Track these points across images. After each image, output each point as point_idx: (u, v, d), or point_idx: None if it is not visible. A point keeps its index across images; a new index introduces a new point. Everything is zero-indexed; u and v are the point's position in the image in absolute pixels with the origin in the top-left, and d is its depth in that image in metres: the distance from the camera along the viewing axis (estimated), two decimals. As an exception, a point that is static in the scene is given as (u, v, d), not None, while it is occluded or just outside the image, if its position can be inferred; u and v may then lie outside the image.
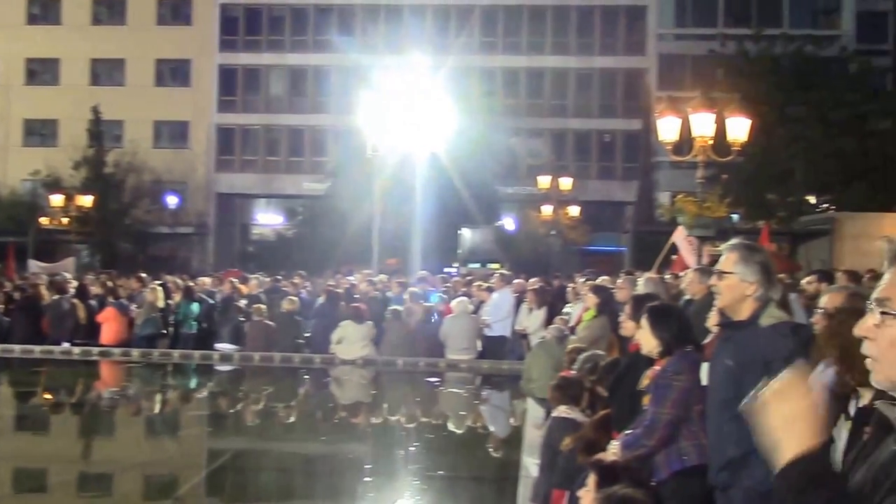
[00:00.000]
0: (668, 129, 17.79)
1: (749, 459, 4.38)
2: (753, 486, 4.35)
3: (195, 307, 18.73)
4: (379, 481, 9.77)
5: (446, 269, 31.33)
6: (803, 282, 11.35)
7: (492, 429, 13.90)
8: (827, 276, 10.46)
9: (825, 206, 34.78)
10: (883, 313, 1.86)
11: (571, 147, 52.42)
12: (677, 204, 21.14)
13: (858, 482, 2.00)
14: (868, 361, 1.91)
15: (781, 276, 12.08)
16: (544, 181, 38.57)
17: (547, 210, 39.55)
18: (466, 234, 38.64)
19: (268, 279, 22.35)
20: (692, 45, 48.68)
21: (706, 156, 17.58)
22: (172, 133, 53.55)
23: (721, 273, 4.56)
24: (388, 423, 13.64)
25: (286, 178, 52.82)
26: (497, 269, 25.41)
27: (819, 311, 4.49)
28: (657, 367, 5.35)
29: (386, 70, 32.79)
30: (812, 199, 36.26)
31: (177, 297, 19.01)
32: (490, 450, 12.05)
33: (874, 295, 1.92)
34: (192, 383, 18.02)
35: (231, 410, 14.88)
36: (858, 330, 1.94)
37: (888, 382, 1.89)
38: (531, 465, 8.12)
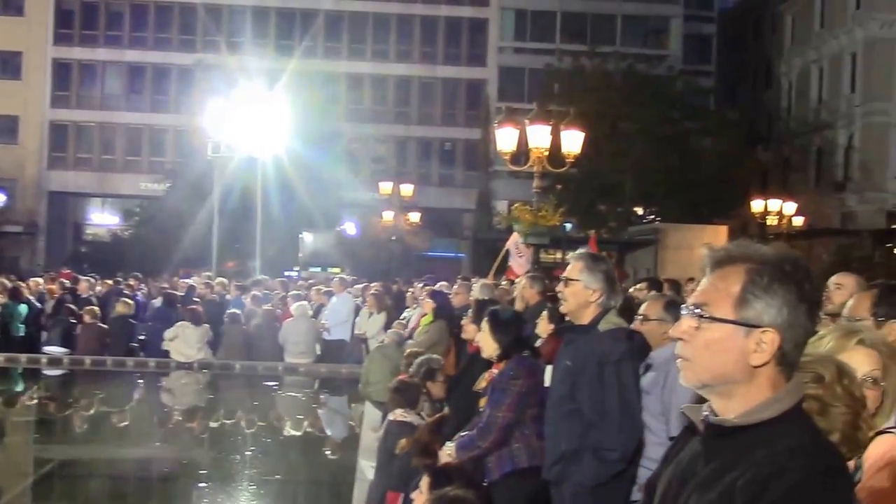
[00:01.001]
0: (506, 139, 18.24)
1: (580, 455, 4.61)
2: (583, 481, 4.58)
3: (23, 309, 17.88)
4: (214, 487, 9.66)
5: (287, 273, 31.00)
6: (633, 289, 11.91)
7: (329, 432, 13.93)
8: (656, 284, 10.99)
9: (651, 217, 36.49)
10: (700, 317, 1.94)
11: (414, 154, 52.91)
12: (514, 212, 21.72)
13: (665, 482, 2.10)
14: (679, 362, 1.99)
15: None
16: (386, 187, 38.78)
17: (388, 216, 39.76)
18: (308, 238, 38.25)
19: (103, 281, 21.56)
20: (531, 59, 50.11)
21: (542, 167, 18.14)
22: (0, 128, 50.83)
23: (567, 280, 4.79)
24: (225, 428, 13.46)
25: (123, 178, 51.05)
26: (338, 274, 25.35)
27: (639, 317, 4.80)
28: (495, 370, 5.49)
29: (228, 71, 32.23)
30: (639, 211, 37.97)
31: (2, 298, 18.08)
32: (327, 453, 12.08)
33: (691, 299, 1.99)
34: (19, 388, 17.19)
35: (59, 416, 14.32)
36: (674, 331, 2.03)
37: (698, 383, 1.96)
38: (367, 468, 8.18)
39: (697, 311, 1.96)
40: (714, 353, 1.94)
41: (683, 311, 2.01)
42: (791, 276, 1.93)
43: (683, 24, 52.66)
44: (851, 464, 2.48)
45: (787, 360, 1.95)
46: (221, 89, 29.44)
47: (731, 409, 1.95)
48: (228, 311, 17.50)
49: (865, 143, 43.33)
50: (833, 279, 5.67)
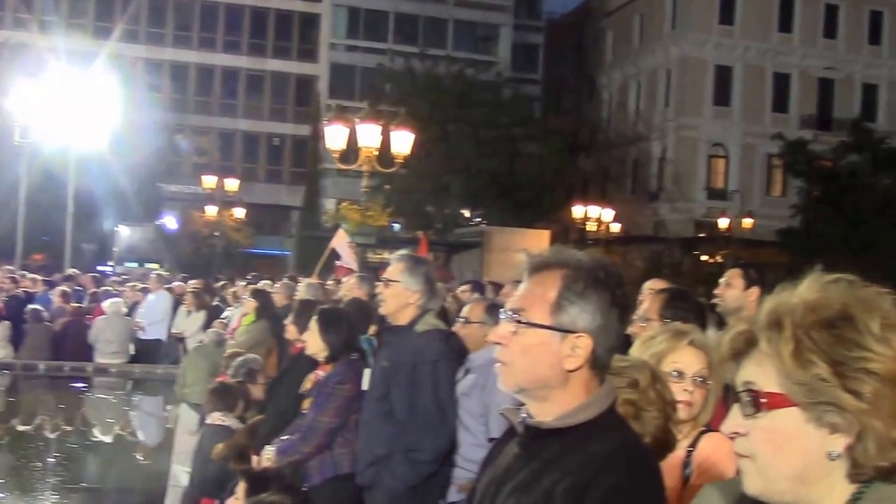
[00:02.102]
0: (335, 137, 18.11)
1: (394, 458, 4.56)
2: (395, 484, 4.54)
3: None
4: (13, 497, 9.05)
5: (100, 268, 29.67)
6: (458, 291, 12.02)
7: (141, 436, 13.36)
8: (480, 287, 11.13)
9: (478, 219, 37.14)
10: (517, 322, 1.97)
11: (240, 148, 51.75)
12: (341, 211, 21.58)
13: (483, 484, 2.11)
14: (497, 366, 2.01)
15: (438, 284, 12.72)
16: (210, 181, 37.76)
17: (211, 210, 38.74)
18: (124, 231, 36.76)
19: None
20: (363, 58, 50.01)
21: (371, 166, 18.11)
22: None
23: (388, 281, 4.75)
24: (26, 433, 12.66)
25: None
26: (155, 269, 24.46)
27: (461, 319, 4.80)
28: (321, 372, 5.38)
29: (41, 52, 30.52)
30: (466, 213, 38.58)
31: None
32: (139, 459, 11.57)
33: (509, 305, 2.02)
34: None
35: None
36: (492, 336, 2.05)
37: (516, 386, 1.99)
38: (181, 473, 7.87)
39: (515, 316, 1.99)
40: (530, 358, 1.96)
41: (501, 316, 2.04)
42: (604, 282, 1.98)
43: (513, 33, 53.90)
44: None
45: (600, 364, 2.00)
46: (31, 71, 27.78)
47: (547, 412, 1.98)
48: (30, 308, 16.46)
49: (677, 156, 45.73)
50: (647, 284, 5.90)
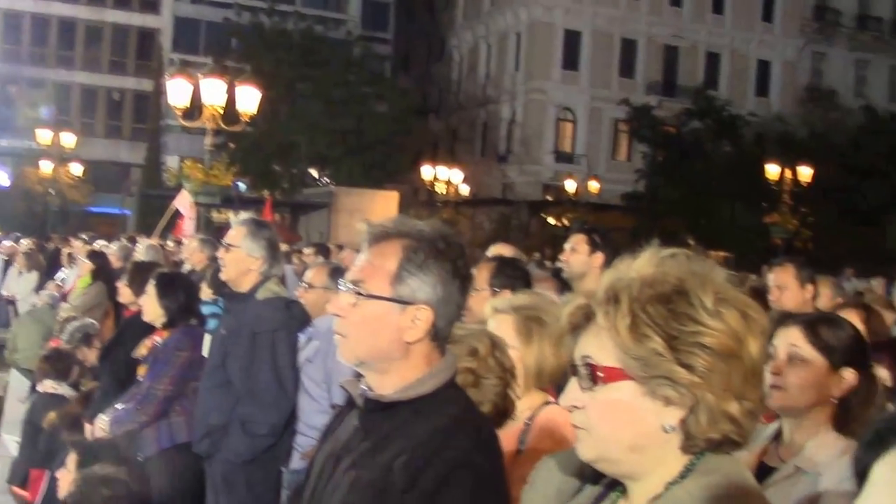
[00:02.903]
0: (178, 93, 17.49)
1: (230, 429, 4.43)
2: (231, 457, 4.41)
3: None
4: None
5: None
6: (304, 253, 11.87)
7: (-34, 405, 12.64)
8: (324, 250, 11.00)
9: (326, 180, 36.83)
10: (357, 294, 1.95)
11: (77, 102, 49.40)
12: (184, 169, 20.93)
13: (322, 457, 2.07)
14: (336, 338, 1.99)
15: (283, 245, 12.51)
16: (45, 136, 35.92)
17: (46, 167, 36.88)
18: (-52, 188, 34.69)
19: None
20: (209, 11, 48.43)
21: (215, 123, 17.59)
22: None
23: (228, 246, 4.58)
24: None
25: None
26: (-16, 229, 23.11)
27: (303, 284, 4.69)
28: (158, 338, 5.20)
29: None
30: (314, 173, 38.18)
31: None
32: (-38, 428, 10.94)
33: (348, 276, 2.00)
34: None
35: None
36: (331, 308, 2.01)
37: (355, 359, 1.97)
38: (11, 442, 7.57)
39: (354, 287, 1.97)
40: (370, 330, 1.95)
41: (341, 287, 2.01)
42: (445, 253, 1.98)
43: (362, -11, 53.35)
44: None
45: (441, 336, 2.00)
46: None
47: (387, 384, 1.97)
48: None
49: (527, 119, 46.49)
50: (492, 249, 5.95)
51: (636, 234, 37.53)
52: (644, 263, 1.47)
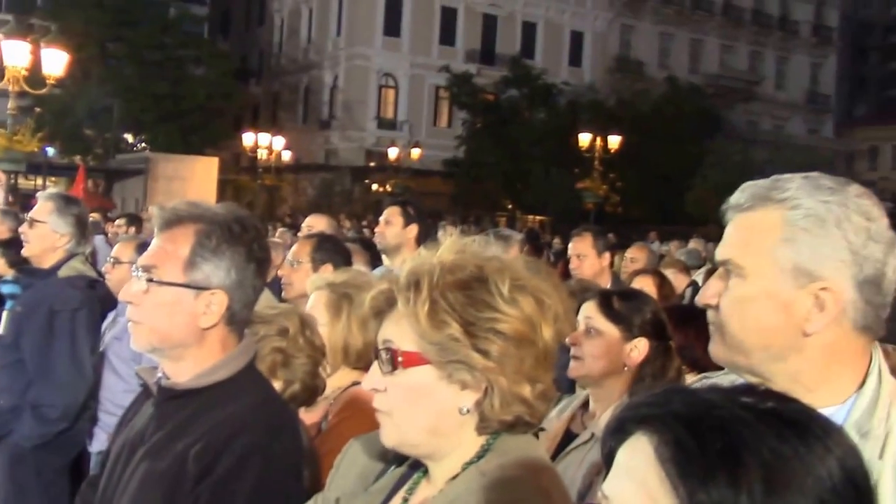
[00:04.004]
0: (-23, 53, 16.39)
1: (19, 413, 4.24)
2: (21, 441, 4.23)
3: None
4: None
5: None
6: (115, 224, 11.45)
7: None
8: (135, 220, 10.63)
9: (142, 145, 35.45)
10: (149, 280, 1.91)
11: None
12: (-15, 135, 19.68)
13: (118, 446, 2.04)
14: (130, 326, 1.96)
15: (95, 214, 12.03)
16: None
17: None
18: None
19: None
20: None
21: (19, 86, 16.61)
22: None
23: (33, 221, 4.40)
24: None
25: None
26: None
27: (111, 259, 4.55)
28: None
29: None
30: (129, 138, 36.67)
31: None
32: None
33: (140, 262, 1.96)
34: None
35: None
36: (123, 295, 1.98)
37: (149, 346, 1.94)
38: None
39: (146, 274, 1.92)
40: (163, 317, 1.91)
41: (133, 273, 1.96)
42: (240, 236, 1.96)
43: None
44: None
45: (237, 320, 1.98)
46: None
47: (182, 371, 1.94)
48: None
49: (349, 85, 46.17)
50: (307, 221, 5.99)
51: (456, 200, 38.29)
52: (446, 250, 1.50)
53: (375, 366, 1.51)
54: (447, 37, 48.16)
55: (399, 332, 1.48)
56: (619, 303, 2.79)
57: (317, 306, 2.79)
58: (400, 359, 1.47)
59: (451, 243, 1.53)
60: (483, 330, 1.44)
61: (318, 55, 47.96)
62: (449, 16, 48.18)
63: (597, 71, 49.10)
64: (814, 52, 59.77)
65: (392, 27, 46.94)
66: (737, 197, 1.51)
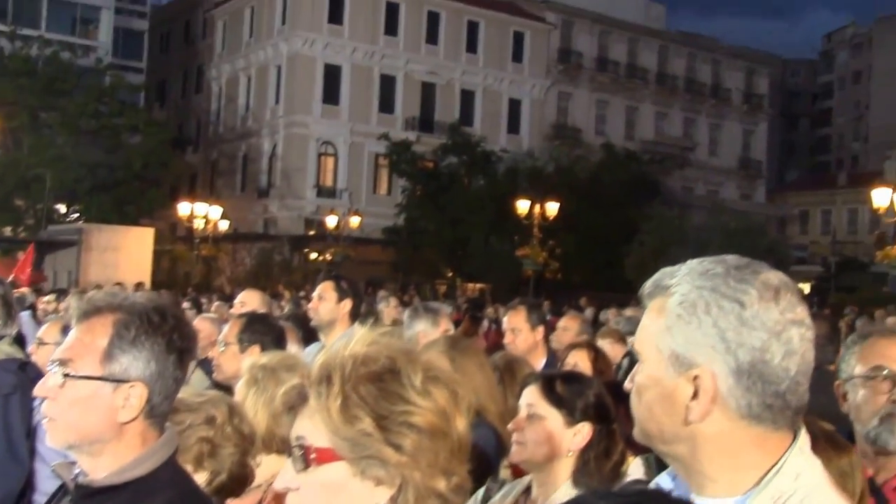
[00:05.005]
0: None
1: None
2: None
3: None
4: None
5: None
6: (44, 300, 11.17)
7: None
8: (66, 295, 10.39)
9: (75, 215, 34.91)
10: (65, 375, 1.85)
11: None
12: None
13: None
14: (45, 422, 1.89)
15: (24, 289, 11.70)
16: None
17: None
18: None
19: None
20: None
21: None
22: None
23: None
24: None
25: None
26: None
27: (37, 341, 4.41)
28: None
29: None
30: (62, 208, 36.10)
31: None
32: None
33: (55, 355, 1.89)
34: None
35: None
36: (38, 391, 1.90)
37: (65, 444, 1.87)
38: None
39: (62, 368, 1.86)
40: (80, 413, 1.85)
41: (49, 368, 1.89)
42: (159, 327, 1.91)
43: (115, 17, 51.29)
44: None
45: (157, 413, 1.92)
46: None
47: (100, 468, 1.87)
48: None
49: (287, 153, 46.24)
50: (239, 297, 5.86)
51: (396, 268, 38.26)
52: (358, 342, 1.47)
53: (288, 464, 1.46)
54: (386, 105, 48.70)
55: (311, 427, 1.43)
56: (561, 387, 2.75)
57: (238, 391, 2.72)
58: (313, 455, 1.42)
59: (363, 335, 1.49)
60: (396, 424, 1.41)
61: (257, 123, 48.04)
62: (388, 84, 48.77)
63: (535, 138, 49.92)
64: (745, 118, 61.57)
65: (331, 95, 47.32)
66: (646, 285, 1.49)
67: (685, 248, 32.11)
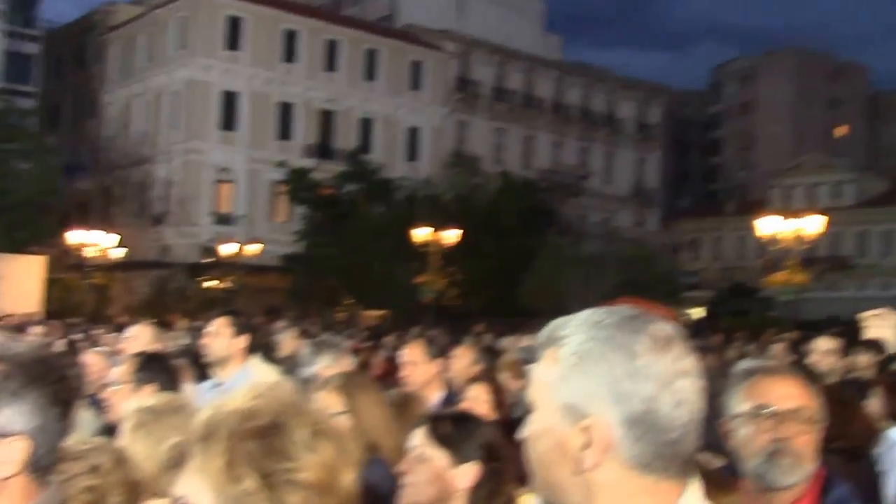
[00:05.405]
0: None
1: None
2: None
3: None
4: None
5: None
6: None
7: None
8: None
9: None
10: None
11: None
12: None
13: None
14: None
15: None
16: None
17: None
18: None
19: None
20: None
21: None
22: None
23: None
24: None
25: None
26: None
27: None
28: None
29: None
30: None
31: None
32: None
33: None
34: None
35: None
36: None
37: None
38: None
39: None
40: None
41: None
42: (43, 378, 1.84)
43: (4, 40, 49.65)
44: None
45: (41, 467, 1.85)
46: None
47: None
48: None
49: (183, 180, 45.43)
50: (129, 331, 5.74)
51: (295, 295, 37.84)
52: (242, 397, 1.43)
53: None
54: (285, 131, 48.37)
55: (194, 486, 1.39)
56: (448, 427, 2.77)
57: (123, 435, 2.70)
58: None
59: (248, 389, 1.46)
60: (281, 482, 1.37)
61: (152, 149, 47.08)
62: (286, 111, 48.48)
63: (434, 165, 50.21)
64: (639, 148, 63.15)
65: (228, 121, 46.76)
66: (540, 335, 1.54)
67: (580, 276, 32.81)
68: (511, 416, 4.65)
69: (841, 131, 76.52)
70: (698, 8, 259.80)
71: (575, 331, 1.44)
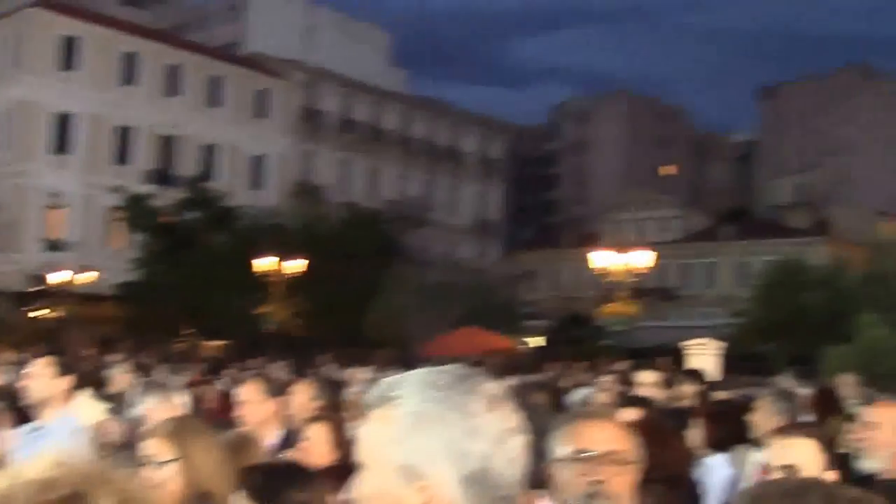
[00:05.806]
0: None
1: None
2: None
3: None
4: None
5: None
6: None
7: None
8: None
9: None
10: None
11: None
12: None
13: None
14: None
15: None
16: None
17: None
18: None
19: None
20: None
21: None
22: None
23: None
24: None
25: None
26: None
27: None
28: None
29: None
30: None
31: None
32: None
33: None
34: None
35: None
36: None
37: None
38: None
39: None
40: None
41: None
42: None
43: None
44: None
45: None
46: None
47: None
48: None
49: (10, 204, 43.16)
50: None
51: (131, 325, 36.43)
52: (42, 464, 1.33)
53: None
54: (122, 156, 46.77)
55: None
56: (263, 481, 2.77)
57: None
58: None
59: (47, 459, 1.35)
60: None
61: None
62: (124, 135, 46.91)
63: (279, 194, 49.60)
64: (482, 180, 64.35)
65: (62, 144, 44.81)
66: (371, 393, 1.53)
67: (423, 305, 33.00)
68: (351, 456, 4.57)
69: (667, 170, 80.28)
70: (539, 49, 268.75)
71: (410, 391, 1.47)
